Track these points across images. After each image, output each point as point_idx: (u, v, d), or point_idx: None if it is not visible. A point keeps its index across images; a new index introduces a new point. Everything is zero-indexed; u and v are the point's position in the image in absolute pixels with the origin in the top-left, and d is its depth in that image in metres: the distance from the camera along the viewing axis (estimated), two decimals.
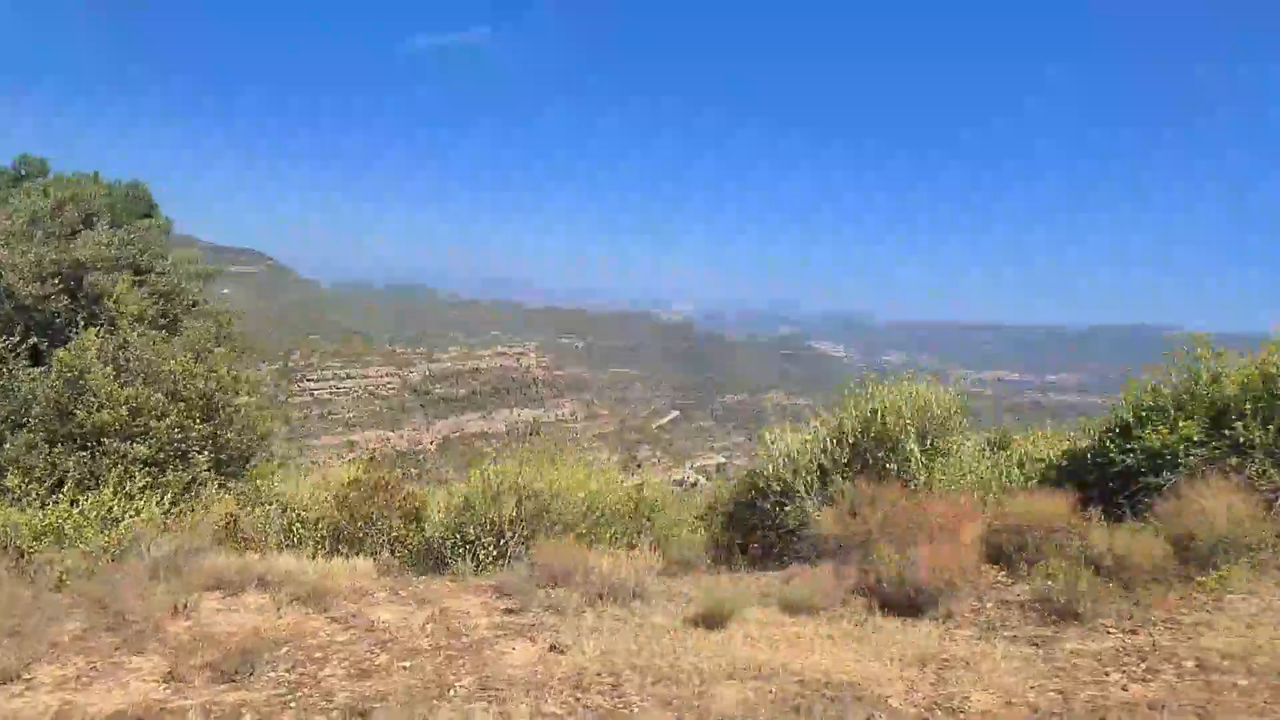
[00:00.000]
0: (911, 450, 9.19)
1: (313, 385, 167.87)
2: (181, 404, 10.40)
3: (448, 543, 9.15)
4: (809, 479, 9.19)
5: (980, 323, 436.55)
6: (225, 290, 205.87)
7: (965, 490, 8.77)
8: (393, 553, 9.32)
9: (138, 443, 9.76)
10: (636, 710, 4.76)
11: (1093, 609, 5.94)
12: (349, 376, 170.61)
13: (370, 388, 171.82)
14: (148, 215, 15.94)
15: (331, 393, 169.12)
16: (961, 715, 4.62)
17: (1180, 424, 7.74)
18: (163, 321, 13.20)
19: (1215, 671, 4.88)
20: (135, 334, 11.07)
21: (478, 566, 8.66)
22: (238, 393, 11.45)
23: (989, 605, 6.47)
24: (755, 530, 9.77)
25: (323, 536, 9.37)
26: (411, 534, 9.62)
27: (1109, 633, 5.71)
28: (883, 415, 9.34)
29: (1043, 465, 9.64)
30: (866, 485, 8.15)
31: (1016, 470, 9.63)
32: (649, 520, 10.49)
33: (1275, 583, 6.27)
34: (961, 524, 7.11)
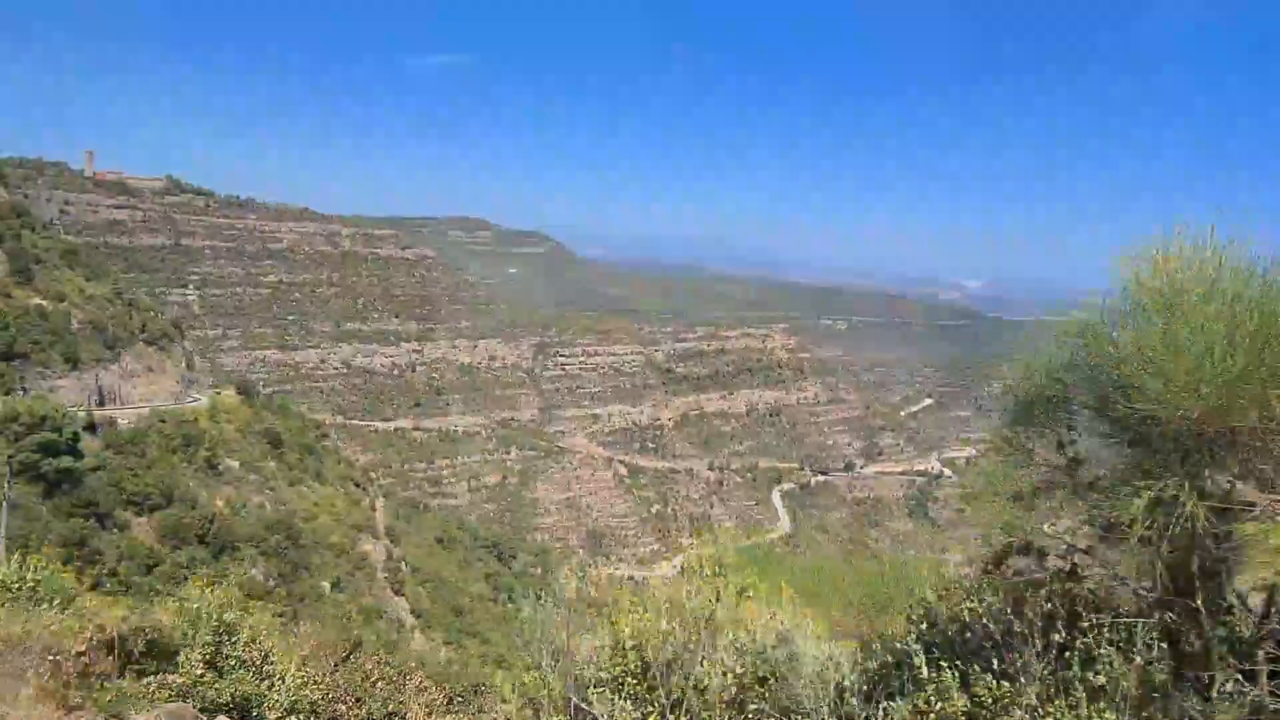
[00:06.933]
0: None
1: (564, 360, 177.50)
2: None
3: None
4: None
5: None
6: (512, 270, 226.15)
7: None
8: None
9: None
10: None
11: None
12: (596, 353, 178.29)
13: (615, 364, 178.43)
14: None
15: (581, 368, 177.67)
16: None
17: None
18: None
19: None
20: None
21: None
22: None
23: None
24: None
25: None
26: None
27: None
28: None
29: None
30: None
31: None
32: None
33: None
34: None
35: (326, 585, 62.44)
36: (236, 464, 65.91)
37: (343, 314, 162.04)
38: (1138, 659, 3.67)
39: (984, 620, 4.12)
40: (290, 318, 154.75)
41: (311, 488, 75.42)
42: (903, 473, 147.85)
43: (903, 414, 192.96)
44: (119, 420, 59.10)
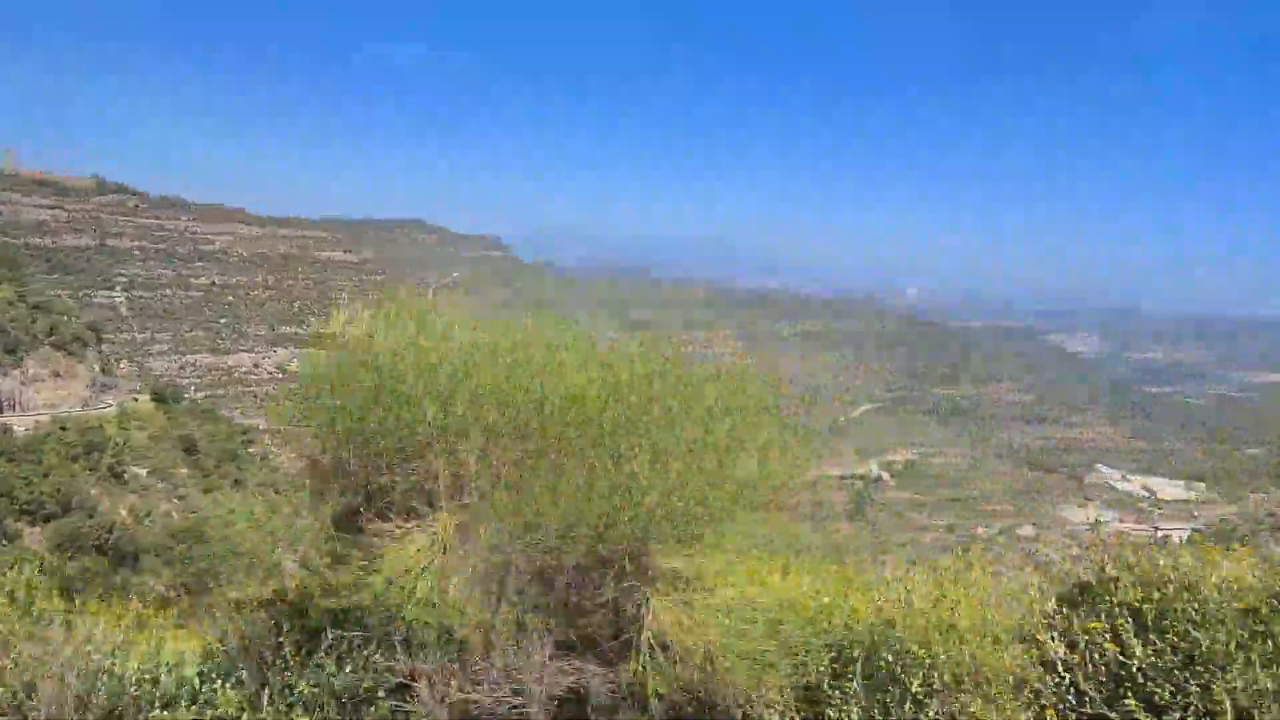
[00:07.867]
0: None
1: None
2: None
3: None
4: None
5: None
6: (455, 274, 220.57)
7: None
8: None
9: None
10: None
11: None
12: None
13: None
14: None
15: None
16: None
17: None
18: None
19: None
20: None
21: None
22: None
23: None
24: None
25: None
26: None
27: None
28: None
29: None
30: None
31: None
32: None
33: None
34: None
35: (235, 595, 61.28)
36: (144, 471, 64.46)
37: (277, 317, 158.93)
38: (349, 667, 3.99)
39: (240, 637, 4.44)
40: (223, 321, 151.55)
41: (229, 495, 73.88)
42: (841, 476, 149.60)
43: (841, 419, 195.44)
44: (15, 427, 57.47)
